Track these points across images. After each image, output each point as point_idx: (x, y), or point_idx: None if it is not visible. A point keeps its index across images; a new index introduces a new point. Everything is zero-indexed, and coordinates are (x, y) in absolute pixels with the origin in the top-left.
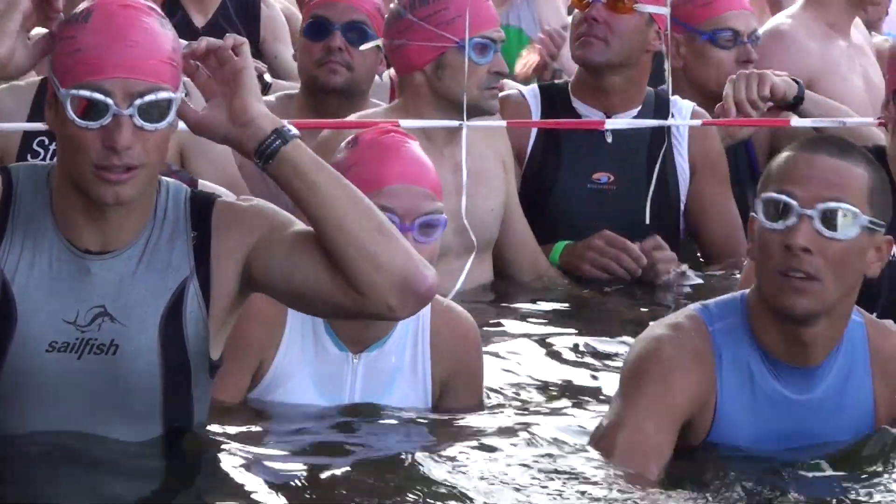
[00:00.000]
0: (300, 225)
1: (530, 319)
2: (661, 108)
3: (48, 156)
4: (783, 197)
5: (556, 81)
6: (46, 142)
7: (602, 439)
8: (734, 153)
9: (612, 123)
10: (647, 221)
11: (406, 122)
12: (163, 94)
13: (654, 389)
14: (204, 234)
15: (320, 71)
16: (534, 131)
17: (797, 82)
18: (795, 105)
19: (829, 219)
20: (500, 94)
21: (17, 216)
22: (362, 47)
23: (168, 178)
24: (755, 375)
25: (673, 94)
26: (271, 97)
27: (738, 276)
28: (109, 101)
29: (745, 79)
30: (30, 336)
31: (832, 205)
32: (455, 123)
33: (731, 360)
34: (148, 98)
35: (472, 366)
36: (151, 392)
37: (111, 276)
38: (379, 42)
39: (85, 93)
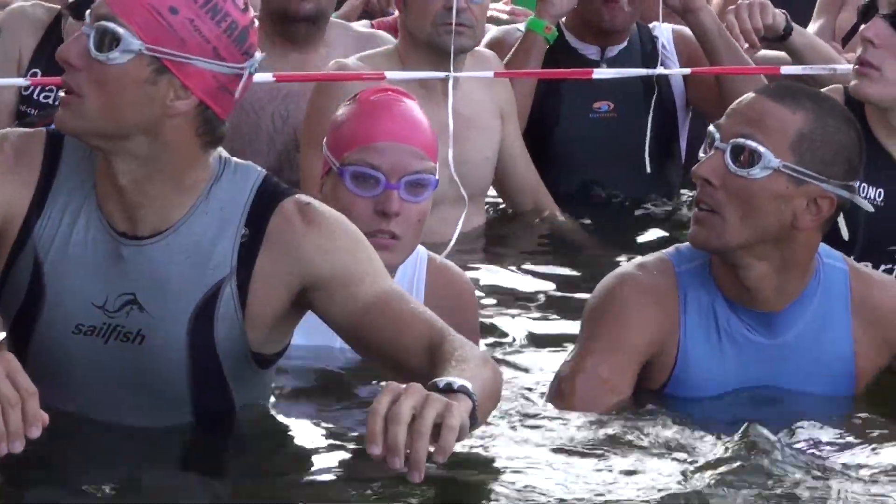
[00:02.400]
0: (376, 280)
1: (524, 266)
2: (643, 35)
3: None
4: (711, 128)
5: None
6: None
7: (561, 382)
8: None
9: (600, 73)
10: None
11: (392, 74)
12: None
13: (609, 330)
14: (255, 237)
15: (290, 1)
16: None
17: (785, 14)
18: (785, 36)
19: (736, 154)
20: (497, 32)
21: (60, 186)
22: None
23: (239, 161)
24: (719, 317)
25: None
26: None
27: None
28: None
29: (748, 8)
30: (57, 316)
31: (741, 140)
32: (441, 75)
33: (695, 301)
34: None
35: (468, 325)
36: (178, 383)
37: (145, 263)
38: None
39: None
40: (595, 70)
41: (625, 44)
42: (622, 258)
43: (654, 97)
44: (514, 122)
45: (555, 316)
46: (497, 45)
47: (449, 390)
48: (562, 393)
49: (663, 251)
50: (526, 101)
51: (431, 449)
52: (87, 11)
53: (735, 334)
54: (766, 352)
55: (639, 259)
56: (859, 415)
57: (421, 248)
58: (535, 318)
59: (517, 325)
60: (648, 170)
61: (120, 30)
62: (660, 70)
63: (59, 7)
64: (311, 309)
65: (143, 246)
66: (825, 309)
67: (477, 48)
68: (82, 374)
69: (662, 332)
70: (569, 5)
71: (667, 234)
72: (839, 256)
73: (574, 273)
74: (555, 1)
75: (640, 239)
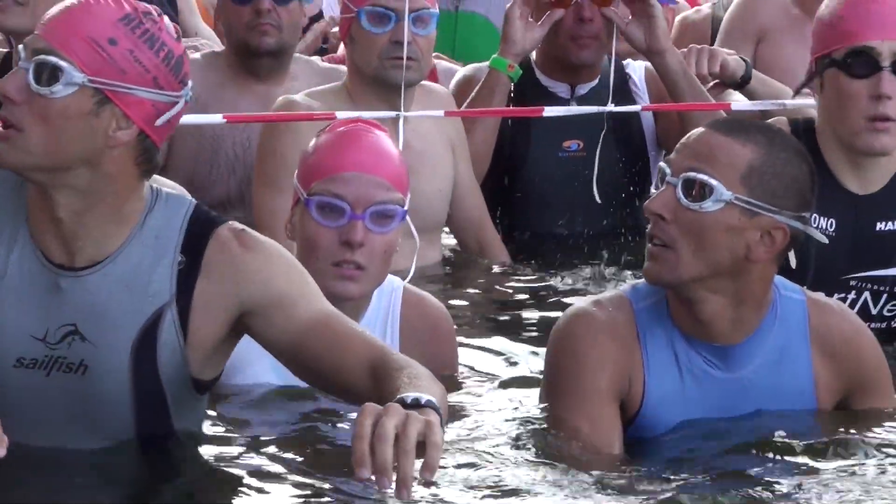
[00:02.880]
0: (312, 302)
1: (481, 299)
2: (618, 71)
3: None
4: (662, 164)
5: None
6: None
7: (552, 448)
8: None
9: (550, 111)
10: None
11: (342, 114)
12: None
13: (572, 375)
14: (193, 264)
15: (251, 34)
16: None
17: (745, 61)
18: (742, 84)
19: (688, 188)
20: (469, 71)
21: None
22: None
23: (168, 190)
24: (679, 353)
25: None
26: (197, 55)
27: None
28: None
29: (697, 54)
30: None
31: (692, 174)
32: (392, 114)
33: (654, 338)
34: None
35: (445, 356)
36: (122, 410)
37: (84, 294)
38: None
39: None
40: (546, 108)
41: (595, 81)
42: (572, 299)
43: (623, 135)
44: (465, 156)
45: (520, 338)
46: (466, 84)
47: (417, 405)
48: (561, 457)
49: (620, 288)
50: (489, 139)
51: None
52: (20, 46)
53: (695, 370)
54: (727, 385)
55: (595, 296)
56: (820, 444)
57: (396, 280)
58: (501, 343)
59: (484, 356)
60: (610, 207)
61: (62, 63)
62: (610, 107)
63: (6, 49)
64: (248, 333)
65: (80, 277)
66: (784, 341)
67: (425, 82)
68: (25, 407)
69: (625, 368)
70: (532, 44)
71: (631, 272)
72: (796, 288)
73: (531, 301)
74: (516, 39)
75: (605, 275)
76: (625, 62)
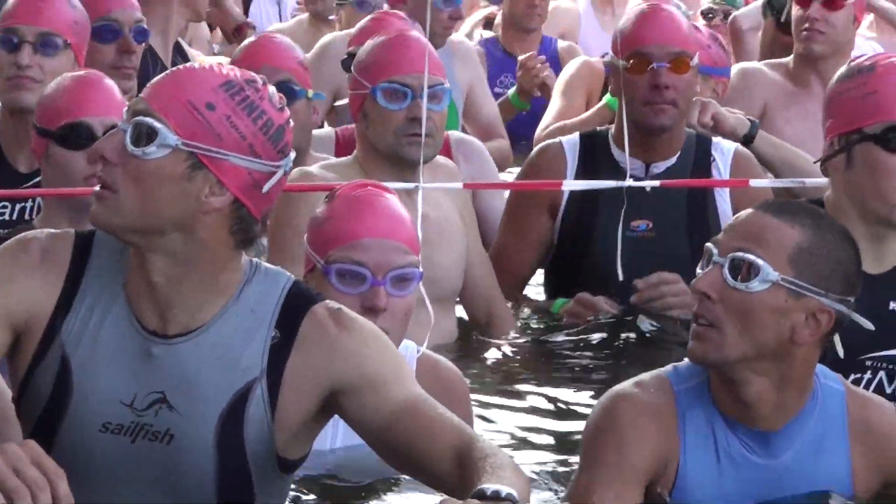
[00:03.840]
0: (405, 385)
1: (498, 368)
2: (701, 150)
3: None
4: (708, 244)
5: (598, 129)
6: None
7: None
8: None
9: (569, 185)
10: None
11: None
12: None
13: (608, 452)
14: (286, 339)
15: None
16: (570, 178)
17: (752, 121)
18: (746, 143)
19: (735, 268)
20: (542, 144)
21: (89, 284)
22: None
23: (269, 265)
24: (717, 436)
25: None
26: None
27: None
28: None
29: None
30: (85, 414)
31: (739, 255)
32: (411, 186)
33: (694, 420)
34: None
35: (460, 418)
36: (205, 484)
37: (175, 362)
38: (309, 93)
39: None
40: (564, 182)
41: (673, 160)
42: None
43: (696, 218)
44: (475, 230)
45: (535, 408)
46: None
47: (497, 498)
48: None
49: (661, 370)
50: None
51: None
52: (124, 108)
53: (734, 454)
54: (764, 472)
55: (637, 377)
56: None
57: (411, 344)
58: (515, 413)
59: (500, 419)
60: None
61: (157, 124)
62: (629, 182)
63: None
64: (339, 414)
65: (173, 344)
66: (823, 429)
67: (437, 157)
68: (108, 472)
69: (662, 451)
70: None
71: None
72: (835, 377)
73: (541, 372)
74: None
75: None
76: (714, 140)
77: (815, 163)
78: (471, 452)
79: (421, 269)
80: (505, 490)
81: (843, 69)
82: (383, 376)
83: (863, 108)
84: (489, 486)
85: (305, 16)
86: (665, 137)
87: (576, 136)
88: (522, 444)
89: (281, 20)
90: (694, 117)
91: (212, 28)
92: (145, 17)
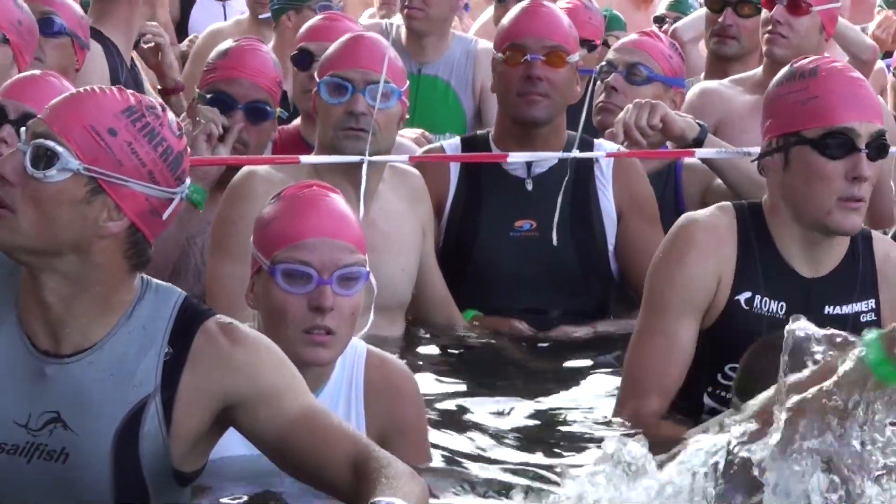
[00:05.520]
0: (298, 397)
1: (444, 363)
2: (583, 151)
3: None
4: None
5: (478, 132)
6: None
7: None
8: (662, 198)
9: (515, 156)
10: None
11: (306, 158)
12: None
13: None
14: (179, 355)
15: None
16: (454, 181)
17: (702, 126)
18: (694, 146)
19: None
20: (425, 148)
21: None
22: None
23: (159, 282)
24: None
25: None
26: None
27: None
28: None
29: (638, 106)
30: None
31: None
32: (356, 158)
33: None
34: None
35: (410, 420)
36: (103, 501)
37: (68, 382)
38: (277, 112)
39: None
40: (510, 154)
41: (555, 161)
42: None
43: (579, 217)
44: (432, 239)
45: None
46: None
47: None
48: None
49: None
50: None
51: None
52: (23, 128)
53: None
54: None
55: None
56: None
57: (360, 343)
58: (472, 409)
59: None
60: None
61: (58, 148)
62: (574, 153)
63: None
64: (234, 426)
65: (66, 364)
66: None
67: (399, 165)
68: (5, 493)
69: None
70: None
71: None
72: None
73: (494, 370)
74: None
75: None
76: (596, 142)
77: (752, 161)
78: (368, 462)
79: (367, 269)
80: (398, 502)
81: (785, 70)
82: (277, 389)
83: (803, 112)
84: (383, 499)
85: (245, 16)
86: (543, 134)
87: (457, 139)
88: (476, 436)
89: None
90: (643, 118)
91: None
92: (108, 15)
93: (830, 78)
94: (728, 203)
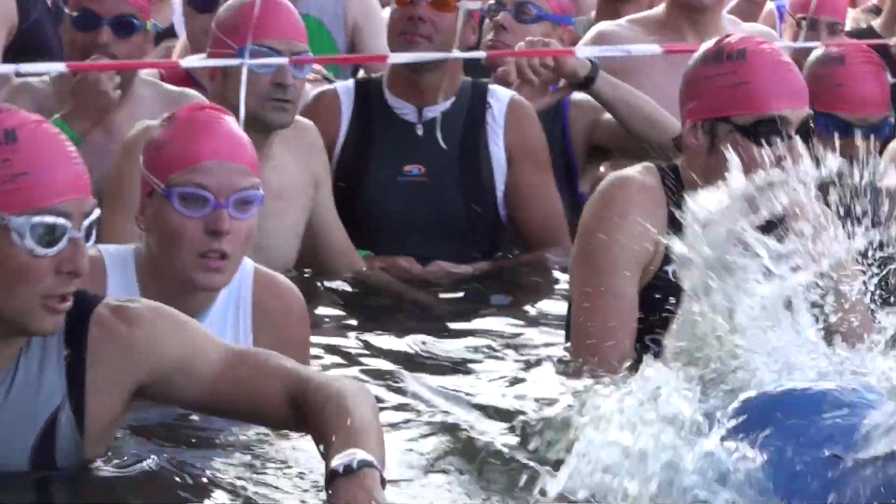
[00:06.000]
0: (209, 356)
1: (335, 291)
2: (477, 98)
3: None
4: None
5: (372, 76)
6: None
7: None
8: (550, 134)
9: (396, 57)
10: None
11: (185, 61)
12: None
13: None
14: (78, 354)
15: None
16: (345, 125)
17: (593, 63)
18: (587, 84)
19: None
20: (318, 90)
21: None
22: None
23: None
24: None
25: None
26: (46, 79)
27: (554, 262)
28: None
29: (530, 45)
30: None
31: None
32: (237, 62)
33: None
34: None
35: (297, 340)
36: None
37: None
38: (148, 25)
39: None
40: (393, 55)
41: (448, 104)
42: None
43: (468, 163)
44: (328, 190)
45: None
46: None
47: (350, 472)
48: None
49: None
50: None
51: None
52: None
53: None
54: None
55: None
56: None
57: (247, 261)
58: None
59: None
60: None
61: None
62: (456, 54)
63: None
64: (154, 400)
65: None
66: None
67: (298, 119)
68: None
69: None
70: None
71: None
72: None
73: (399, 312)
74: None
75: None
76: (491, 87)
77: (672, 141)
78: (306, 397)
79: (262, 192)
80: (357, 458)
81: (708, 48)
82: (185, 355)
83: (732, 98)
84: (340, 463)
85: None
86: (434, 79)
87: (350, 82)
88: (363, 358)
89: None
90: (534, 59)
91: None
92: None
93: (759, 62)
94: (651, 164)
